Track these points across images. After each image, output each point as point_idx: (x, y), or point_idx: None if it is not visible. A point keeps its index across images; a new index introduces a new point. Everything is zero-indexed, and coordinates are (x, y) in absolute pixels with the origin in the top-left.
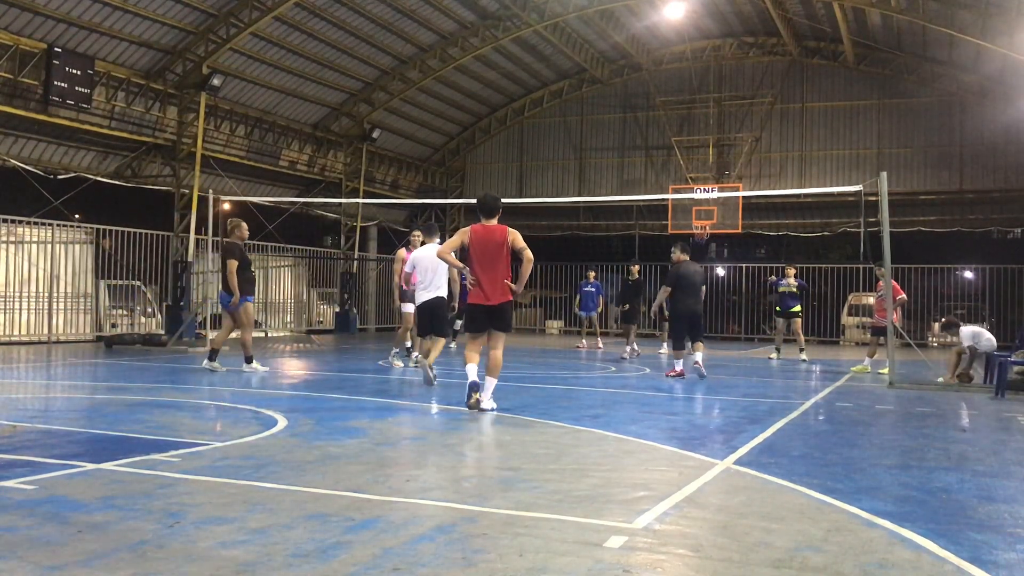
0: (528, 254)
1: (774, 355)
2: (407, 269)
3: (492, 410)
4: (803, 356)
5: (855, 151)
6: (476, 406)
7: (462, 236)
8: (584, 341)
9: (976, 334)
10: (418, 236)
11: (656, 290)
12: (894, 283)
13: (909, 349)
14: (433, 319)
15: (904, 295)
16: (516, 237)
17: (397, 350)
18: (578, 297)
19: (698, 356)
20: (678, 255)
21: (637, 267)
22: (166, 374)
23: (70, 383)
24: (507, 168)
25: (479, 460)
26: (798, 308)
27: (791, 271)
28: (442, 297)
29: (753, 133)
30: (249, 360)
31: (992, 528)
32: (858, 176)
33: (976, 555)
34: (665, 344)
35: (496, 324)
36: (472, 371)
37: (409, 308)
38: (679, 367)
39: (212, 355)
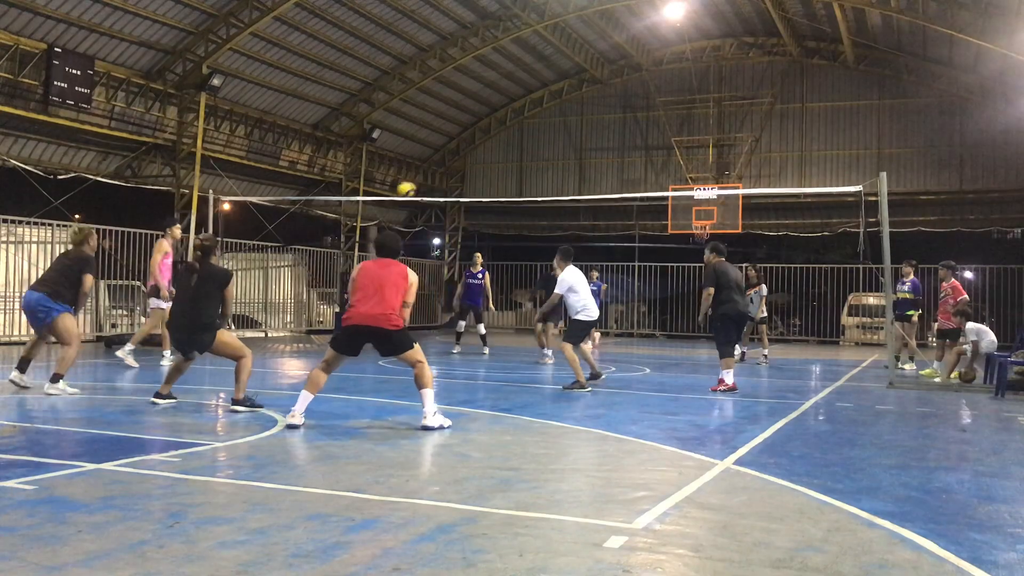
0: (409, 299)
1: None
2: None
3: (442, 428)
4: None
5: (855, 151)
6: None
7: (356, 269)
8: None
9: (981, 331)
10: (178, 228)
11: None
12: (956, 284)
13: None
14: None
15: (965, 295)
16: (415, 284)
17: (132, 347)
18: None
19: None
20: (716, 257)
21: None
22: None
23: (70, 383)
24: (507, 168)
25: (479, 460)
26: (910, 312)
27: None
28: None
29: (753, 133)
30: (57, 379)
31: (992, 528)
32: (858, 176)
33: (976, 555)
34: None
35: (381, 348)
36: (304, 402)
37: (162, 305)
38: (730, 379)
39: (55, 378)
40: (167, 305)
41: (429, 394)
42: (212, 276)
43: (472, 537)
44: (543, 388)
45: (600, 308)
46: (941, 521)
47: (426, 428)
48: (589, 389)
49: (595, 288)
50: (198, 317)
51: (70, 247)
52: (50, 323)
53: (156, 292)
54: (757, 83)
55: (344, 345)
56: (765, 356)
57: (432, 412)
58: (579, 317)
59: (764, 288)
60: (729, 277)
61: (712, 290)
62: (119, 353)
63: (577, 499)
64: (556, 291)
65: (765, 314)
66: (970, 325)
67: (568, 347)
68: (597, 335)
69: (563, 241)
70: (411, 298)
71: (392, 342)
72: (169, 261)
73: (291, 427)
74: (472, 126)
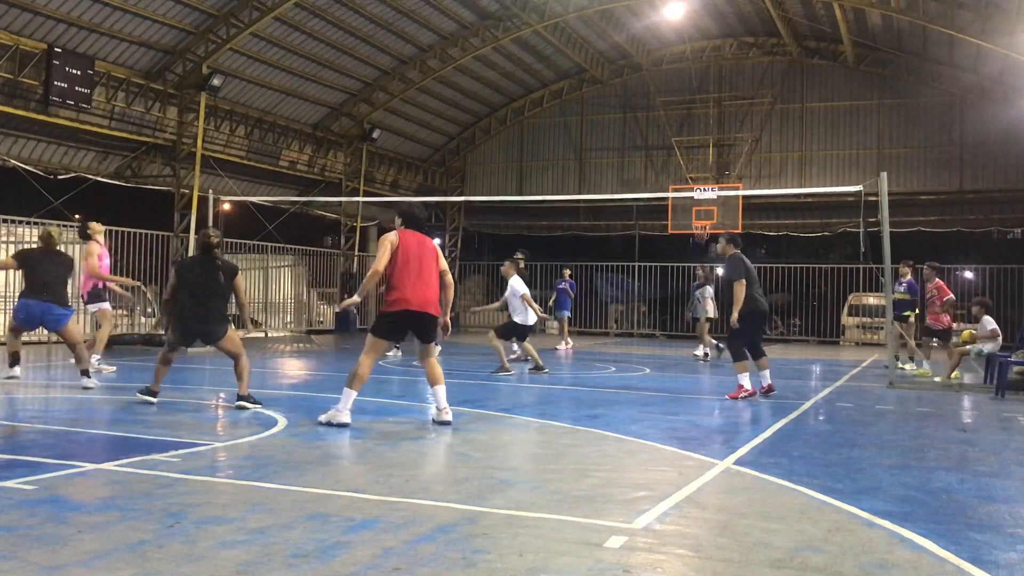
0: (449, 278)
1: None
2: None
3: (449, 424)
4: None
5: (855, 151)
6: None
7: (391, 242)
8: (568, 340)
9: (995, 327)
10: (99, 227)
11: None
12: (941, 284)
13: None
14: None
15: (951, 295)
16: (440, 253)
17: (99, 356)
18: (554, 295)
19: (767, 376)
20: (732, 248)
21: (701, 271)
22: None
23: (70, 383)
24: (507, 168)
25: (479, 460)
26: (907, 313)
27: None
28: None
29: (753, 133)
30: (88, 373)
31: (992, 528)
32: (858, 176)
33: (976, 555)
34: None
35: (425, 335)
36: (350, 399)
37: (108, 306)
38: (748, 383)
39: (86, 373)
40: (108, 306)
41: (443, 390)
42: (228, 269)
43: (472, 537)
44: (541, 388)
45: (570, 306)
46: (941, 521)
47: (445, 423)
48: (512, 372)
49: (563, 286)
50: (217, 309)
51: (51, 251)
52: (62, 327)
53: (98, 296)
54: (757, 83)
55: (391, 331)
56: (706, 355)
57: (447, 406)
58: (516, 320)
59: (709, 289)
60: (752, 272)
61: (744, 282)
62: (91, 371)
63: (577, 499)
64: (522, 294)
65: (709, 314)
66: (987, 317)
67: (494, 336)
68: (570, 342)
69: (563, 241)
70: (445, 265)
71: (430, 328)
72: (106, 262)
73: (342, 425)
74: (472, 126)
